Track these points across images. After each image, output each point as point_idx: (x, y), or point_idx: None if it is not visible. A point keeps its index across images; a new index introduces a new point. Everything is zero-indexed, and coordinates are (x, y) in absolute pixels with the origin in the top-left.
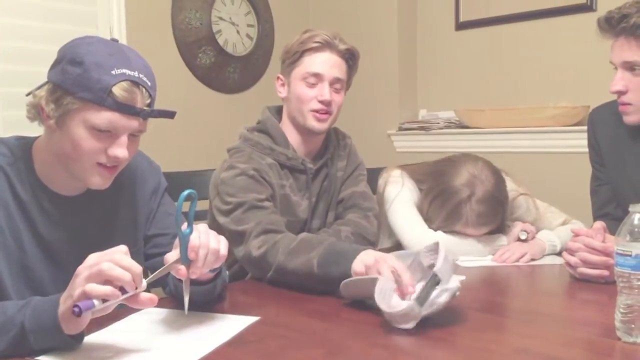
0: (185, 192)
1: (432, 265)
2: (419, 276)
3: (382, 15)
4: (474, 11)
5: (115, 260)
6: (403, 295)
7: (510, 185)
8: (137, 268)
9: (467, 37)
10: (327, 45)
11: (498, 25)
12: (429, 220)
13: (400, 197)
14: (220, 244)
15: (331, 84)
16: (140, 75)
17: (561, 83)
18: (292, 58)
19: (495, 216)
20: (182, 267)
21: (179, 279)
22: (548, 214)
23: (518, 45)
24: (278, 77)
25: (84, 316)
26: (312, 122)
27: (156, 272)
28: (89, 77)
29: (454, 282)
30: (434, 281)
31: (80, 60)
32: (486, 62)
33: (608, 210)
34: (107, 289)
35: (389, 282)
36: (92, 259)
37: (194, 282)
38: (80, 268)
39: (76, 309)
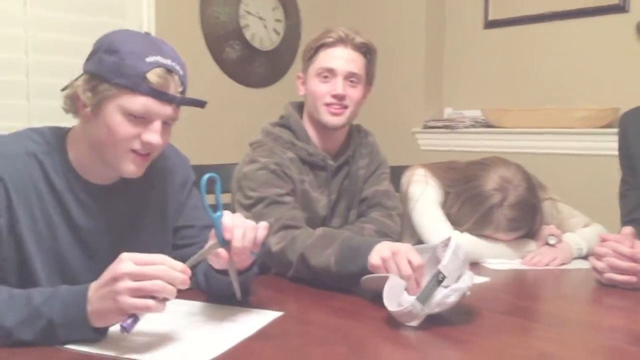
0: (206, 176)
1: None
2: (436, 271)
3: (410, 11)
4: (503, 10)
5: (162, 276)
6: (412, 292)
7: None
8: (180, 278)
9: (495, 36)
10: (340, 41)
11: (527, 24)
12: (457, 224)
13: (425, 197)
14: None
15: (346, 78)
16: (173, 64)
17: (590, 85)
18: (309, 55)
19: (527, 221)
20: (222, 250)
21: (215, 269)
22: (571, 220)
23: (547, 45)
24: (298, 76)
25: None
26: (327, 117)
27: (194, 257)
28: (124, 64)
29: (465, 281)
30: (437, 279)
31: (116, 49)
32: (514, 61)
33: (637, 215)
34: (164, 306)
35: (399, 280)
36: (130, 265)
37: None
38: (119, 272)
39: (125, 330)
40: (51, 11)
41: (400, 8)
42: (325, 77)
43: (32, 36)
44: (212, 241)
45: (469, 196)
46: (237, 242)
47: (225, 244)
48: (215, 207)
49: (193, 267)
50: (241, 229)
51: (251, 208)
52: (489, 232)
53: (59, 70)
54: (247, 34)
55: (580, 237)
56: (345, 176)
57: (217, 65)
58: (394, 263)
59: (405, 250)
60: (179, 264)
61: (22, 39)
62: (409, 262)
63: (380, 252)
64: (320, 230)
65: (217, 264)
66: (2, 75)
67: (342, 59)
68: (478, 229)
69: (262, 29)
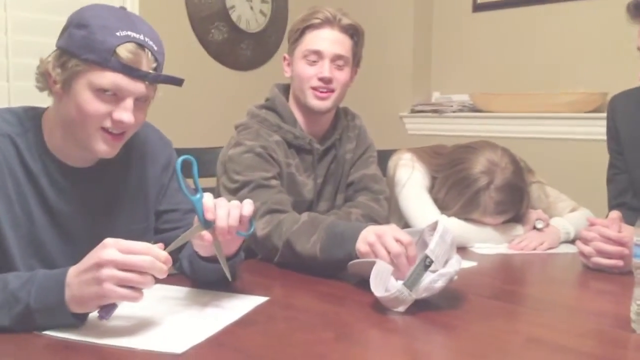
0: (181, 158)
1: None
2: (423, 256)
3: None
4: None
5: (147, 267)
6: (400, 276)
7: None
8: (163, 269)
9: (484, 19)
10: (327, 22)
11: (516, 7)
12: (444, 208)
13: (412, 181)
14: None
15: (333, 60)
16: (146, 39)
17: (578, 69)
18: (295, 36)
19: (514, 204)
20: (206, 233)
21: (200, 256)
22: (559, 204)
23: (536, 29)
24: (284, 57)
25: None
26: (313, 100)
27: (176, 240)
28: (93, 38)
29: (453, 265)
30: (425, 263)
31: (86, 23)
32: (503, 45)
33: (624, 199)
34: (142, 296)
35: (386, 265)
36: (114, 253)
37: (214, 260)
38: (104, 259)
39: (102, 318)
40: None
41: None
42: (312, 59)
43: (12, 16)
44: (195, 225)
45: (456, 180)
46: (221, 222)
47: (208, 225)
48: (195, 190)
49: (175, 251)
50: (225, 208)
51: (236, 192)
52: (476, 216)
53: (39, 51)
54: (234, 16)
55: (567, 221)
56: (332, 160)
57: (202, 48)
58: (381, 246)
59: (391, 230)
60: (163, 254)
61: (1, 18)
62: (398, 241)
63: (366, 238)
64: (305, 216)
65: (203, 250)
66: None
67: (328, 40)
68: (465, 212)
69: (248, 10)
